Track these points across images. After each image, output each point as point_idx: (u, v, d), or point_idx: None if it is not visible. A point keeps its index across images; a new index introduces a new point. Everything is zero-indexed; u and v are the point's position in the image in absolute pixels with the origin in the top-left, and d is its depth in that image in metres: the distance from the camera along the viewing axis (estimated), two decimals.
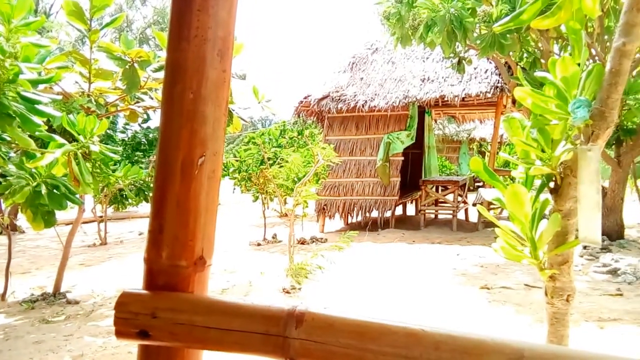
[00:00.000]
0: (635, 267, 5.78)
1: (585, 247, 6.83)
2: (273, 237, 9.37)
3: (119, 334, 1.00)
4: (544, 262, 1.59)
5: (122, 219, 13.19)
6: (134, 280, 5.69)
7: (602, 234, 6.90)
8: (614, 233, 7.45)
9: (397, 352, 0.78)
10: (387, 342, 0.79)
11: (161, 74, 3.95)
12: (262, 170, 9.18)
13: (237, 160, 9.73)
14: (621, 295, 5.04)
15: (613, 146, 7.41)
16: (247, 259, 7.54)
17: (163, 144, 1.04)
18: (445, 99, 9.79)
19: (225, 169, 9.85)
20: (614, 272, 5.79)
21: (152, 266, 1.04)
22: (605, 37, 6.80)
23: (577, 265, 6.22)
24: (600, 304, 4.72)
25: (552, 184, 1.59)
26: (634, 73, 5.99)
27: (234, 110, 3.81)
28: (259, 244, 8.94)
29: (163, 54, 4.14)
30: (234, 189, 10.84)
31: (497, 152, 11.77)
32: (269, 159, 9.28)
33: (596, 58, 6.39)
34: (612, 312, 4.44)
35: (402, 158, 10.42)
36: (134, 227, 11.76)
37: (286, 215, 12.09)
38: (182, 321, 0.96)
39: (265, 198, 10.50)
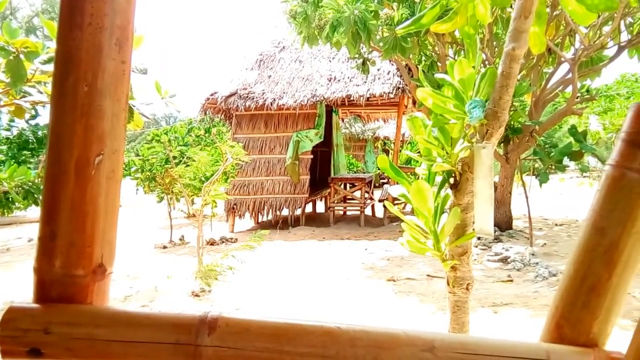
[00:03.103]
0: (522, 255, 6.35)
1: (479, 238, 7.38)
2: (180, 239, 9.03)
3: (6, 354, 0.89)
4: (445, 254, 1.68)
5: (8, 225, 11.97)
6: (24, 293, 5.17)
7: (494, 225, 7.50)
8: (503, 224, 8.14)
9: (314, 351, 0.77)
10: (304, 343, 0.78)
11: (51, 67, 3.62)
12: (167, 169, 8.80)
13: (139, 159, 9.23)
14: (511, 281, 5.52)
15: (502, 144, 8.08)
16: (152, 262, 7.19)
17: (54, 142, 0.94)
18: (351, 98, 10.06)
19: (127, 169, 9.31)
20: (504, 260, 6.33)
21: (44, 276, 0.94)
22: (494, 42, 7.40)
23: (473, 255, 6.70)
24: (493, 291, 5.13)
25: (452, 180, 1.68)
26: (518, 77, 6.56)
27: (134, 106, 3.60)
28: (164, 247, 8.57)
29: (53, 45, 3.80)
30: (137, 189, 10.29)
31: (400, 150, 12.35)
32: (174, 157, 8.92)
33: (486, 62, 6.92)
34: (504, 297, 4.85)
35: (311, 156, 10.55)
36: (23, 233, 10.73)
37: (194, 215, 11.71)
38: (81, 335, 0.87)
39: (171, 198, 10.08)
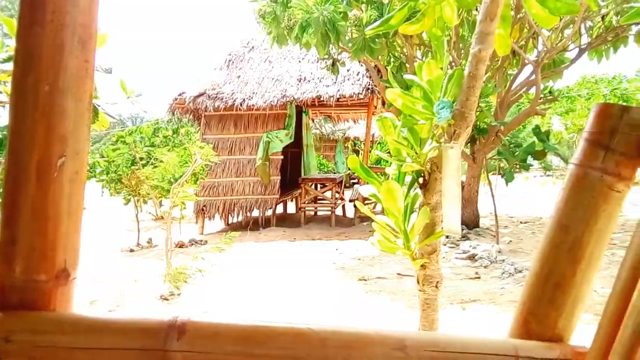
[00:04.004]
0: (489, 252, 6.50)
1: (447, 237, 7.51)
2: (148, 242, 8.86)
3: None
4: (415, 252, 1.70)
5: None
6: None
7: (462, 224, 7.65)
8: (471, 222, 8.31)
9: (284, 353, 0.77)
10: (275, 345, 0.77)
11: (11, 66, 3.49)
12: (133, 171, 8.61)
13: (105, 161, 9.00)
14: (479, 278, 5.64)
15: (469, 144, 8.25)
16: (119, 266, 7.03)
17: (13, 143, 0.90)
18: (321, 99, 10.08)
19: (92, 170, 9.07)
20: (472, 258, 6.46)
21: (4, 282, 0.90)
22: (461, 45, 7.54)
23: (441, 254, 6.81)
24: (462, 288, 5.23)
25: (421, 180, 1.70)
26: (484, 78, 6.72)
27: (99, 105, 3.50)
28: (132, 250, 8.38)
29: (13, 44, 3.67)
30: (103, 191, 10.03)
31: (370, 150, 12.45)
32: (141, 159, 8.74)
33: (454, 64, 7.05)
34: (472, 294, 4.94)
35: (282, 157, 10.52)
36: None
37: (162, 218, 11.51)
38: (43, 343, 0.84)
39: (138, 201, 9.87)
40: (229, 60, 11.54)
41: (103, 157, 9.17)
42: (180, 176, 7.41)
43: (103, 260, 7.42)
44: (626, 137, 0.74)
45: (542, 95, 7.69)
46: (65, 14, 0.88)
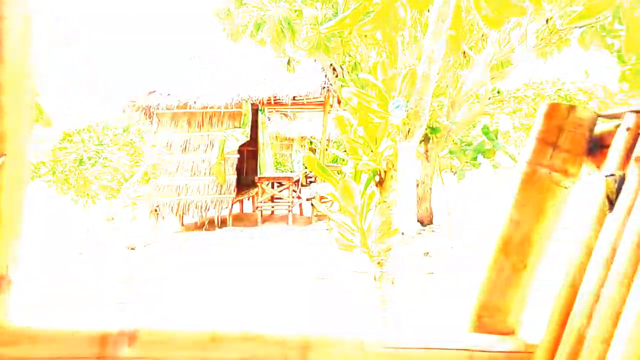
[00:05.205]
0: (443, 248, 6.66)
1: (402, 233, 7.65)
2: (98, 244, 8.53)
3: None
4: (372, 250, 1.72)
5: None
6: None
7: (417, 221, 7.81)
8: (425, 219, 8.49)
9: (242, 356, 0.75)
10: (232, 348, 0.75)
11: None
12: (81, 171, 8.28)
13: (51, 160, 8.61)
14: (432, 274, 5.77)
15: (422, 143, 8.42)
16: (66, 269, 6.73)
17: None
18: (277, 97, 10.02)
19: (36, 171, 8.64)
20: (426, 254, 6.60)
21: None
22: (414, 45, 7.68)
23: (397, 251, 6.93)
24: (417, 283, 5.33)
25: (377, 178, 1.73)
26: (436, 78, 6.89)
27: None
28: (80, 253, 8.05)
29: None
30: (48, 192, 9.59)
31: (326, 149, 12.51)
32: (89, 158, 8.41)
33: (407, 64, 7.18)
34: (427, 290, 5.05)
35: (238, 156, 10.38)
36: None
37: (113, 219, 11.13)
38: None
39: (86, 201, 9.49)
40: (184, 59, 11.29)
41: (48, 156, 8.77)
42: (132, 176, 7.19)
43: (50, 265, 7.09)
44: (572, 135, 0.77)
45: (490, 96, 7.96)
46: (2, 4, 0.83)
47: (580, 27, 6.84)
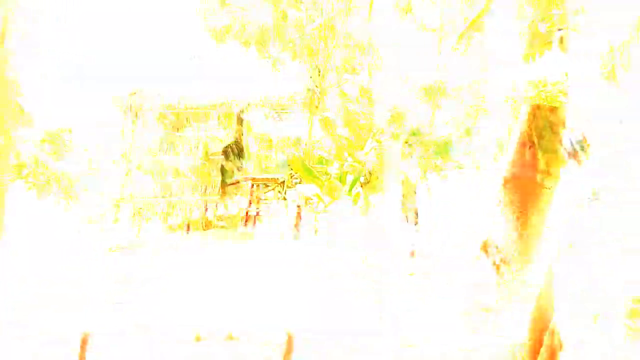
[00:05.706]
0: (426, 245, 6.71)
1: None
2: (83, 247, 8.42)
3: None
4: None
5: None
6: None
7: (402, 220, 7.85)
8: (410, 218, 8.54)
9: (224, 356, 0.74)
10: (213, 348, 0.75)
11: None
12: (63, 172, 8.16)
13: (33, 161, 8.48)
14: (413, 274, 5.82)
15: (406, 143, 8.47)
16: (49, 272, 6.64)
17: None
18: (263, 98, 10.01)
19: (18, 172, 8.51)
20: (412, 254, 6.65)
21: None
22: None
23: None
24: (405, 281, 5.36)
25: (362, 179, 1.73)
26: None
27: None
28: (63, 255, 7.94)
29: None
30: (30, 193, 9.43)
31: (312, 150, 12.50)
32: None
33: None
34: (414, 288, 5.09)
35: (223, 156, 10.34)
36: None
37: (95, 221, 10.99)
38: None
39: (68, 202, 9.35)
40: (169, 58, 11.21)
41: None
42: (115, 177, 7.11)
43: (28, 267, 6.98)
44: (555, 136, 0.78)
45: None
46: None
47: (560, 29, 6.94)
